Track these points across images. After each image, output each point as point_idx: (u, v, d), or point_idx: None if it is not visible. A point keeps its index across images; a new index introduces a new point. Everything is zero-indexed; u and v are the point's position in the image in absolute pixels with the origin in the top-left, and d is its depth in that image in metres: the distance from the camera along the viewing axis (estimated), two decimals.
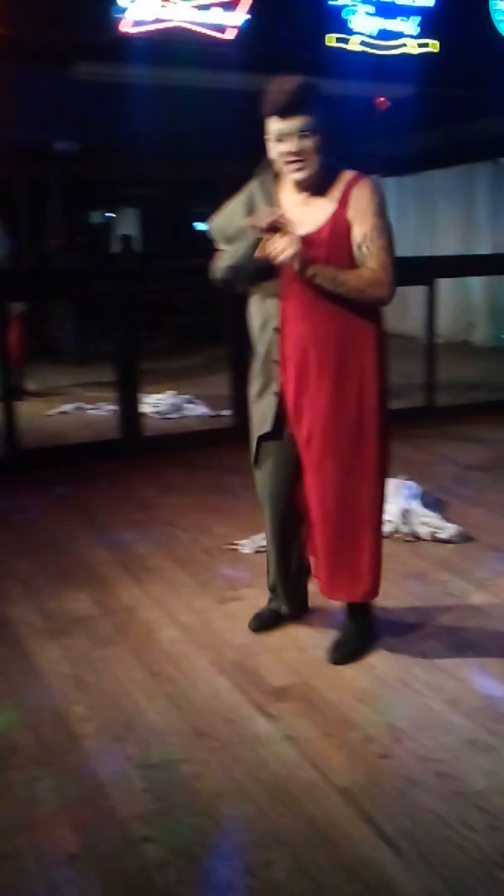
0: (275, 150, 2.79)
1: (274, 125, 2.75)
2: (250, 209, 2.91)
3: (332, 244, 2.81)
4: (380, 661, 3.11)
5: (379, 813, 2.31)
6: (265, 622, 3.38)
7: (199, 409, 7.68)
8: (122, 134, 8.09)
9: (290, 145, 2.74)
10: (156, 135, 8.04)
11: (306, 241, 2.77)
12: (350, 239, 2.82)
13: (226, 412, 7.15)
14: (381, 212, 2.81)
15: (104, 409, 7.70)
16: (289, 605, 3.37)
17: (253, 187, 2.97)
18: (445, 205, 11.93)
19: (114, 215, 18.17)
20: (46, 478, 5.56)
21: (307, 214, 2.84)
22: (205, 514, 4.81)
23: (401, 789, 2.40)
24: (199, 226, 17.97)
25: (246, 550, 4.20)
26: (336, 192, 2.83)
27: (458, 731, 2.67)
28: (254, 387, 3.10)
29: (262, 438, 3.09)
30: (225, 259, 2.97)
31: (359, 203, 2.80)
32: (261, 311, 2.99)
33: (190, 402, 7.86)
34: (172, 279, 6.96)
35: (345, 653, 3.13)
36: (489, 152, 10.53)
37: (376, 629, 3.29)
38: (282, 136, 2.74)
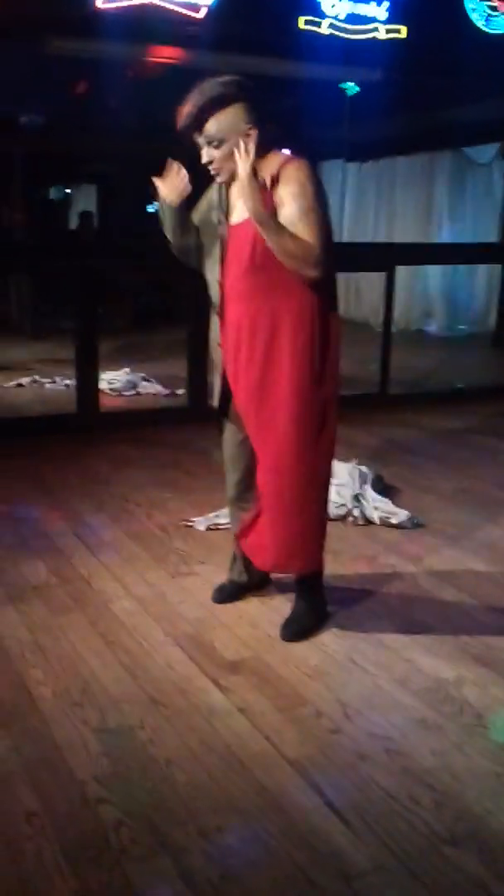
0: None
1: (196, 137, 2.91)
2: (209, 202, 3.09)
3: (252, 228, 2.83)
4: (331, 640, 3.19)
5: (329, 785, 2.38)
6: (227, 594, 3.45)
7: (154, 388, 7.69)
8: (92, 110, 8.02)
9: (203, 157, 2.90)
10: (125, 111, 7.99)
11: (235, 228, 2.95)
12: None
13: (180, 391, 7.19)
14: (311, 192, 2.82)
15: (61, 384, 7.69)
16: (248, 575, 3.44)
17: (211, 186, 3.09)
18: (405, 192, 12.01)
19: (69, 191, 18.00)
20: (2, 449, 5.54)
21: (243, 202, 2.90)
22: (160, 490, 4.84)
23: (350, 764, 2.48)
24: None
25: (200, 528, 4.24)
26: (268, 176, 2.87)
27: (407, 710, 2.75)
28: (214, 366, 3.27)
29: (217, 413, 3.25)
30: (166, 230, 3.14)
31: (287, 184, 2.83)
32: (210, 294, 3.12)
33: (145, 380, 7.86)
34: (130, 257, 6.93)
35: (296, 629, 3.20)
36: (452, 141, 10.62)
37: (327, 608, 3.36)
38: (199, 148, 2.90)
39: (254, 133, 2.82)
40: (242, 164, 2.73)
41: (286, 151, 2.94)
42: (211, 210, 3.07)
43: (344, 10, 6.08)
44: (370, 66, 4.95)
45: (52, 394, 7.47)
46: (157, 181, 3.00)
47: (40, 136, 10.15)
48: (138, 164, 13.12)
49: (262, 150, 2.86)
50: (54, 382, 7.81)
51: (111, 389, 7.36)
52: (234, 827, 2.21)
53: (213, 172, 2.94)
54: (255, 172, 2.79)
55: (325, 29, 6.04)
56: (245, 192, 2.72)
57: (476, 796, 2.36)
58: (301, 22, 5.96)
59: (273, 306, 2.90)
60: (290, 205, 2.81)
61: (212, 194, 3.09)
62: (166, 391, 7.51)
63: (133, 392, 7.57)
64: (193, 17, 5.57)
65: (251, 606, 3.43)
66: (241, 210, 2.94)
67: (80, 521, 4.36)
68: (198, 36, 5.62)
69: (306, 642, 3.16)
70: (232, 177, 2.89)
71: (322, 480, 3.12)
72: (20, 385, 7.79)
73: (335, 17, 6.05)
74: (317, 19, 6.01)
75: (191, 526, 4.27)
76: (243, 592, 3.48)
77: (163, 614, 3.35)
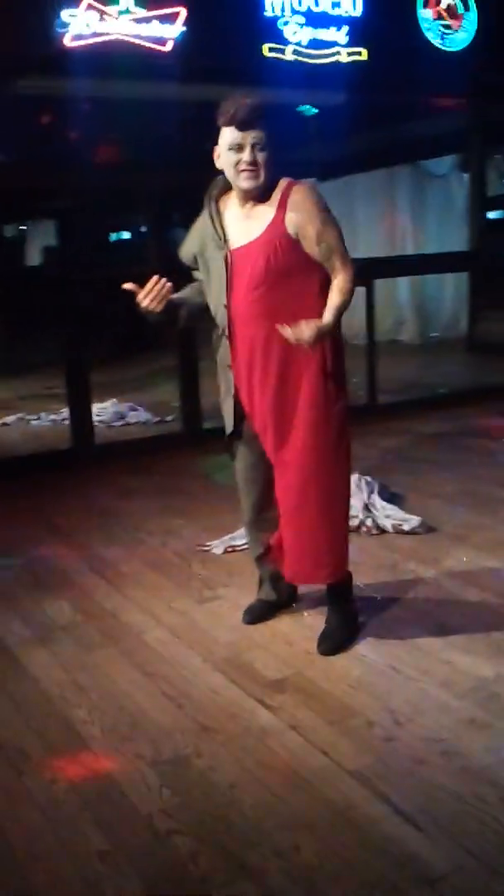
0: (228, 159, 2.90)
1: (231, 135, 2.86)
2: (202, 234, 3.09)
3: (264, 251, 2.93)
4: (368, 650, 3.21)
5: (393, 792, 2.39)
6: (258, 614, 3.47)
7: (143, 416, 7.72)
8: (61, 146, 8.09)
9: (247, 155, 2.86)
10: (94, 146, 8.06)
11: (241, 251, 2.97)
12: (286, 244, 2.93)
13: (170, 418, 7.22)
14: (324, 208, 2.94)
15: (46, 420, 7.70)
16: (277, 593, 3.47)
17: (204, 213, 3.10)
18: (368, 207, 12.16)
19: (25, 228, 18.03)
20: (2, 490, 5.53)
21: (249, 225, 2.99)
22: (169, 517, 4.86)
23: (410, 769, 2.50)
24: (125, 235, 17.98)
25: (217, 551, 4.26)
26: (274, 199, 2.95)
27: (455, 712, 2.78)
28: (221, 390, 3.27)
29: (230, 436, 3.27)
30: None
31: (300, 206, 2.91)
32: (213, 321, 3.14)
33: (132, 409, 7.89)
34: (110, 289, 6.97)
35: (333, 644, 3.22)
36: (411, 155, 10.81)
37: (359, 619, 3.39)
38: (239, 147, 2.86)
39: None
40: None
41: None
42: (205, 239, 3.08)
43: (306, 35, 6.18)
44: (334, 88, 5.05)
45: (41, 430, 7.48)
46: (139, 298, 2.97)
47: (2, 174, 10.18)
48: (101, 195, 13.29)
49: (271, 175, 2.92)
50: (39, 419, 7.81)
51: (99, 422, 7.36)
52: (309, 843, 2.22)
53: (248, 174, 2.87)
54: (262, 195, 2.91)
55: (288, 55, 6.13)
56: (321, 335, 2.87)
57: None
58: (265, 49, 6.05)
59: (287, 321, 2.91)
60: (322, 236, 2.91)
61: (202, 225, 3.10)
62: (156, 419, 7.53)
63: (122, 422, 7.59)
64: (160, 51, 5.63)
65: (283, 624, 3.45)
66: (240, 233, 2.99)
67: (94, 555, 4.36)
68: (165, 69, 5.68)
69: (345, 655, 3.18)
70: (258, 185, 2.90)
71: (342, 491, 3.17)
72: (5, 424, 7.79)
73: (298, 43, 6.15)
74: (280, 46, 6.11)
75: (207, 550, 4.28)
76: (274, 610, 3.50)
77: (197, 641, 3.36)
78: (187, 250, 3.17)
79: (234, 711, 2.85)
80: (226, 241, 3.02)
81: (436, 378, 8.76)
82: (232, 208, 3.04)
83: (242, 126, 2.84)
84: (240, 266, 2.99)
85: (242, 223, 3.00)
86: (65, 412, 7.36)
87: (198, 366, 6.42)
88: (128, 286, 2.96)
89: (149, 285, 2.95)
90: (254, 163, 2.86)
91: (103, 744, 2.72)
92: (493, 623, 3.38)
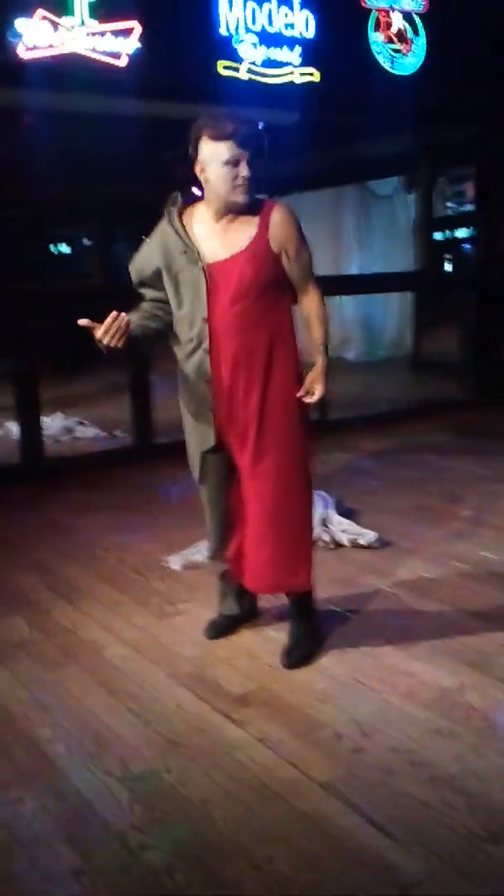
0: (222, 172, 2.91)
1: (229, 151, 2.88)
2: (165, 249, 3.06)
3: (250, 265, 2.98)
4: (331, 663, 3.24)
5: (364, 803, 2.42)
6: (220, 629, 3.47)
7: (91, 431, 7.67)
8: (9, 157, 8.05)
9: (244, 171, 2.90)
10: (42, 158, 8.04)
11: (223, 264, 2.99)
12: (269, 260, 3.01)
13: (118, 432, 7.20)
14: (301, 229, 3.07)
15: None
16: (240, 607, 3.48)
17: (163, 227, 3.09)
18: (314, 225, 12.22)
19: None
20: None
21: (228, 240, 3.01)
22: (124, 533, 4.84)
23: (380, 779, 2.53)
24: (63, 248, 17.87)
25: (175, 566, 4.26)
26: (255, 217, 3.01)
27: (420, 722, 2.82)
28: (190, 406, 3.24)
29: (205, 453, 3.22)
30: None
31: (282, 225, 3.01)
32: (188, 335, 3.09)
33: (81, 423, 7.84)
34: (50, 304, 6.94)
35: (298, 656, 3.25)
36: (358, 176, 10.97)
37: (322, 631, 3.42)
38: (236, 162, 2.88)
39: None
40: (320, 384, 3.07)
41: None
42: (171, 253, 3.04)
43: (260, 55, 6.25)
44: (287, 108, 5.12)
45: None
46: (97, 335, 2.90)
47: None
48: (48, 208, 13.20)
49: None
50: None
51: (47, 436, 7.29)
52: (284, 855, 2.23)
53: (243, 188, 2.93)
54: (242, 210, 2.98)
55: (243, 74, 6.19)
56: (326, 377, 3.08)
57: (503, 794, 2.43)
58: (220, 67, 6.10)
59: (267, 332, 3.01)
60: (300, 255, 3.05)
61: (164, 240, 3.07)
62: (104, 434, 7.49)
63: (69, 437, 7.53)
64: (116, 66, 5.64)
65: (245, 639, 3.46)
66: (217, 248, 3.00)
67: (50, 572, 4.32)
68: (120, 83, 5.69)
69: (308, 668, 3.20)
70: (248, 199, 2.96)
71: (311, 499, 3.26)
72: None
73: (252, 62, 6.22)
74: (235, 64, 6.17)
75: (165, 566, 4.27)
76: (236, 625, 3.51)
77: (159, 657, 3.35)
78: (146, 266, 3.12)
79: (201, 726, 2.85)
80: (200, 256, 3.01)
81: (382, 395, 8.86)
82: (201, 224, 3.04)
83: (243, 143, 2.89)
84: (220, 279, 2.99)
85: (218, 238, 3.01)
86: (7, 426, 7.30)
87: (149, 380, 6.42)
88: (83, 323, 2.88)
89: (107, 322, 2.89)
90: (248, 178, 2.93)
91: (70, 762, 2.69)
92: (452, 634, 3.44)
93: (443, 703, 2.92)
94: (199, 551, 4.36)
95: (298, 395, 3.05)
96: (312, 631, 3.37)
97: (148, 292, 3.17)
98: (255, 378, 3.04)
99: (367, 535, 4.47)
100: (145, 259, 3.14)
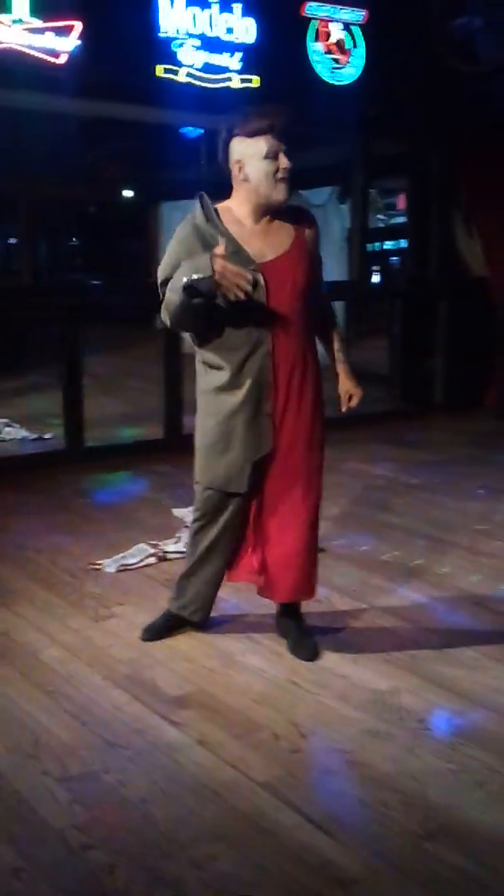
0: (264, 168, 2.94)
1: (269, 144, 2.93)
2: (204, 250, 2.92)
3: (300, 265, 3.06)
4: (267, 666, 3.27)
5: (303, 802, 2.46)
6: (157, 631, 3.48)
7: (19, 433, 7.58)
8: None
9: (285, 162, 2.94)
10: None
11: (274, 264, 3.00)
12: (311, 261, 3.11)
13: (48, 435, 7.13)
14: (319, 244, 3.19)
15: None
16: (204, 613, 3.47)
17: (199, 226, 3.00)
18: None
19: None
20: None
21: (270, 240, 3.04)
22: (56, 535, 4.81)
23: (318, 779, 2.58)
24: None
25: (109, 570, 4.25)
26: (287, 217, 3.08)
27: (355, 723, 2.87)
28: (238, 415, 3.08)
29: (256, 464, 3.14)
30: (179, 320, 3.02)
31: (314, 232, 3.14)
32: (240, 339, 3.02)
33: (8, 425, 7.74)
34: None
35: (311, 649, 3.34)
36: (294, 185, 11.04)
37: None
38: (275, 155, 2.94)
39: None
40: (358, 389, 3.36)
41: None
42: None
43: (200, 59, 6.28)
44: (224, 113, 5.12)
45: None
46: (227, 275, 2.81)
47: None
48: None
49: None
50: None
51: None
52: (224, 853, 2.26)
53: (286, 183, 2.97)
54: (278, 210, 3.03)
55: (182, 77, 6.21)
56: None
57: (438, 793, 2.50)
58: (160, 70, 6.11)
59: (309, 334, 3.13)
60: (321, 261, 3.18)
61: (204, 241, 2.96)
62: (33, 436, 7.41)
63: None
64: (54, 63, 5.61)
65: (180, 642, 3.47)
66: (265, 248, 3.01)
67: None
68: (58, 81, 5.67)
69: (245, 671, 3.23)
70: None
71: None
72: None
73: (192, 66, 6.24)
74: (174, 67, 6.18)
75: (99, 568, 4.26)
76: (173, 631, 3.50)
77: (95, 658, 3.35)
78: (181, 274, 2.91)
79: (138, 727, 2.86)
80: (251, 257, 2.98)
81: None
82: (235, 224, 3.02)
83: (280, 134, 2.93)
84: (274, 280, 2.98)
85: (260, 238, 3.02)
86: None
87: (82, 381, 6.39)
88: (219, 251, 2.81)
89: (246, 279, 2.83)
90: (289, 169, 2.96)
91: (8, 762, 2.68)
92: (384, 637, 3.52)
93: (377, 705, 2.99)
94: (133, 556, 4.36)
95: (343, 401, 3.27)
96: (308, 626, 3.48)
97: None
98: (307, 382, 3.09)
99: None
100: (177, 264, 2.98)
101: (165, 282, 3.05)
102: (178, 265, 2.96)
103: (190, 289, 2.85)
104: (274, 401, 3.08)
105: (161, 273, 3.07)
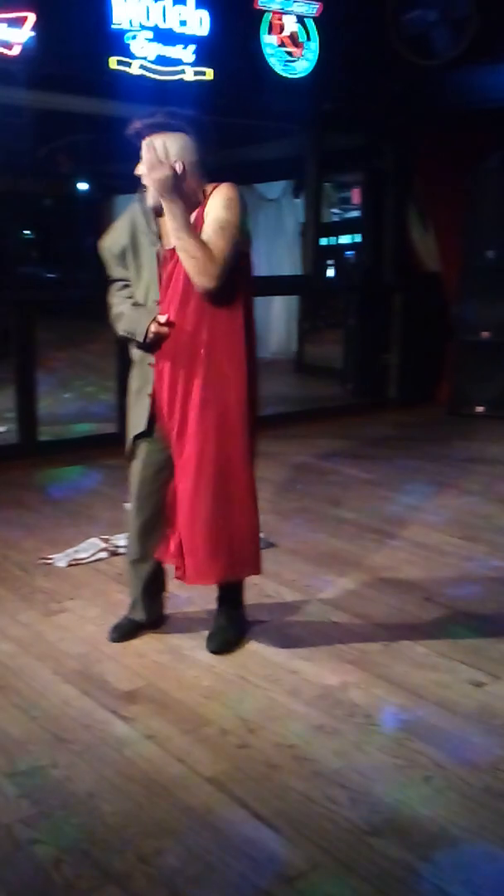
0: None
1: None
2: (132, 229, 3.17)
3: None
4: (217, 661, 3.29)
5: (250, 797, 2.48)
6: (125, 632, 3.46)
7: None
8: None
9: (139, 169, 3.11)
10: None
11: (172, 252, 3.05)
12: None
13: (2, 429, 7.05)
14: (228, 207, 3.01)
15: None
16: (147, 613, 3.48)
17: (134, 209, 3.19)
18: None
19: None
20: None
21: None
22: (7, 529, 4.78)
23: (264, 774, 2.59)
24: None
25: (60, 564, 4.23)
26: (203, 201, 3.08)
27: (303, 719, 2.90)
28: (132, 387, 3.30)
29: (136, 437, 3.26)
30: (121, 325, 3.24)
31: (215, 198, 3.04)
32: (135, 318, 3.16)
33: None
34: None
35: (220, 642, 3.34)
36: (246, 178, 11.05)
37: (246, 623, 3.50)
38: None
39: (178, 165, 2.99)
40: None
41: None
42: (136, 234, 3.16)
43: (153, 51, 6.23)
44: (179, 105, 5.09)
45: None
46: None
47: None
48: None
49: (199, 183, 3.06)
50: None
51: None
52: (171, 848, 2.27)
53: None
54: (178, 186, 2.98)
55: (135, 69, 6.16)
56: (175, 213, 2.97)
57: (384, 788, 2.53)
58: (113, 62, 6.06)
59: (208, 326, 3.06)
60: (213, 213, 3.00)
61: (134, 220, 3.17)
62: None
63: None
64: (7, 55, 5.55)
65: (133, 637, 3.47)
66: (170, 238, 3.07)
67: None
68: (11, 73, 5.60)
69: (195, 666, 3.24)
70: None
71: (253, 488, 3.24)
72: None
73: (145, 58, 6.20)
74: (127, 59, 6.13)
75: (50, 563, 4.25)
76: (140, 631, 3.49)
77: (45, 653, 3.34)
78: (114, 244, 3.23)
79: (87, 722, 2.86)
80: (161, 240, 3.15)
81: (265, 398, 8.93)
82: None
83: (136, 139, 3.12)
84: (171, 265, 3.11)
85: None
86: None
87: (35, 374, 6.34)
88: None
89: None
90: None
91: None
92: (334, 633, 3.54)
93: (326, 700, 3.01)
94: (84, 550, 4.35)
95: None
96: (240, 618, 3.46)
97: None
98: (198, 368, 3.09)
99: None
100: (115, 237, 3.25)
101: (110, 279, 3.29)
102: (111, 243, 3.23)
103: (124, 334, 3.24)
104: (157, 383, 3.16)
105: (101, 247, 3.28)
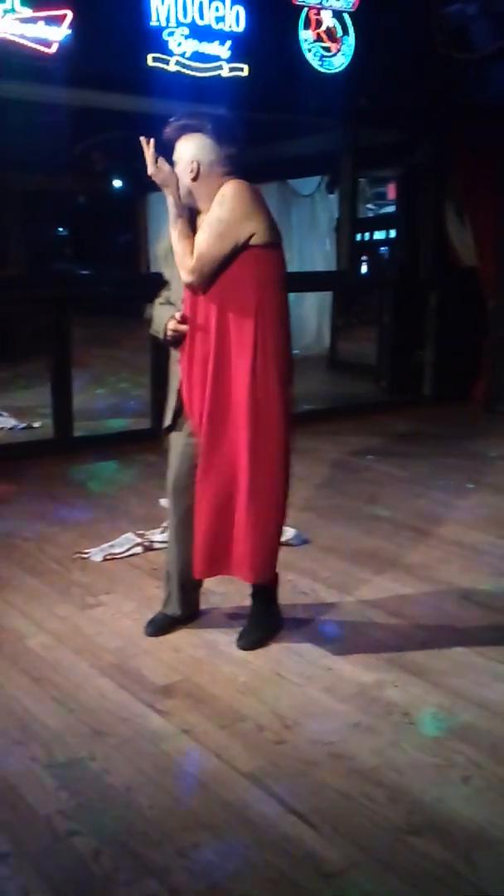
0: None
1: None
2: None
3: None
4: (253, 657, 3.29)
5: (287, 793, 2.48)
6: (160, 627, 3.48)
7: (9, 422, 7.55)
8: None
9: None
10: None
11: None
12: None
13: (37, 424, 7.11)
14: (220, 204, 3.00)
15: None
16: (182, 608, 3.49)
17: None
18: None
19: None
20: None
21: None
22: (44, 524, 4.81)
23: (301, 771, 2.59)
24: None
25: (96, 559, 4.26)
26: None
27: (340, 716, 2.89)
28: (171, 384, 3.33)
29: (166, 430, 3.34)
30: (152, 325, 3.32)
31: (214, 200, 3.04)
32: (160, 317, 3.25)
33: None
34: None
35: (251, 640, 3.35)
36: (281, 174, 11.05)
37: (280, 620, 3.50)
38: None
39: (195, 165, 3.03)
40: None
41: None
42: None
43: (190, 48, 6.23)
44: (215, 102, 5.10)
45: None
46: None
47: None
48: None
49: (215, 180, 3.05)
50: None
51: None
52: (209, 842, 2.28)
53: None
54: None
55: (172, 66, 6.17)
56: (172, 201, 3.07)
57: (422, 787, 2.52)
58: (150, 59, 6.07)
59: (229, 326, 3.05)
60: (211, 210, 3.03)
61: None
62: (22, 425, 7.39)
63: None
64: (45, 53, 5.57)
65: (168, 632, 3.48)
66: None
67: None
68: (49, 71, 5.63)
69: (231, 661, 3.25)
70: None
71: (284, 485, 3.23)
72: None
73: (182, 55, 6.20)
74: (165, 57, 6.13)
75: (86, 557, 4.27)
76: (175, 625, 3.50)
77: (82, 647, 3.36)
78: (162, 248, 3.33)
79: (124, 716, 2.88)
80: None
81: (299, 395, 8.91)
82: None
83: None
84: None
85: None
86: None
87: (71, 370, 6.38)
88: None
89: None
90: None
91: None
92: (370, 630, 3.54)
93: (362, 698, 3.01)
94: (120, 545, 4.38)
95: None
96: (272, 616, 3.47)
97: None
98: (224, 367, 3.11)
99: (287, 532, 4.51)
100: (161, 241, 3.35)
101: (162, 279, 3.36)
102: (159, 247, 3.34)
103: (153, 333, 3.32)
104: (182, 379, 3.18)
105: (154, 251, 3.46)
